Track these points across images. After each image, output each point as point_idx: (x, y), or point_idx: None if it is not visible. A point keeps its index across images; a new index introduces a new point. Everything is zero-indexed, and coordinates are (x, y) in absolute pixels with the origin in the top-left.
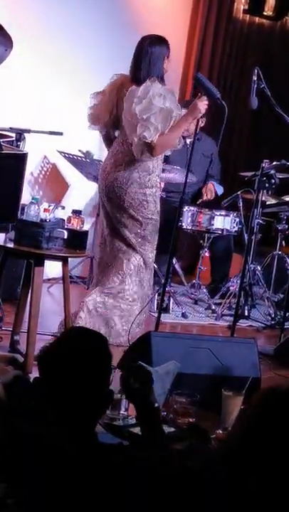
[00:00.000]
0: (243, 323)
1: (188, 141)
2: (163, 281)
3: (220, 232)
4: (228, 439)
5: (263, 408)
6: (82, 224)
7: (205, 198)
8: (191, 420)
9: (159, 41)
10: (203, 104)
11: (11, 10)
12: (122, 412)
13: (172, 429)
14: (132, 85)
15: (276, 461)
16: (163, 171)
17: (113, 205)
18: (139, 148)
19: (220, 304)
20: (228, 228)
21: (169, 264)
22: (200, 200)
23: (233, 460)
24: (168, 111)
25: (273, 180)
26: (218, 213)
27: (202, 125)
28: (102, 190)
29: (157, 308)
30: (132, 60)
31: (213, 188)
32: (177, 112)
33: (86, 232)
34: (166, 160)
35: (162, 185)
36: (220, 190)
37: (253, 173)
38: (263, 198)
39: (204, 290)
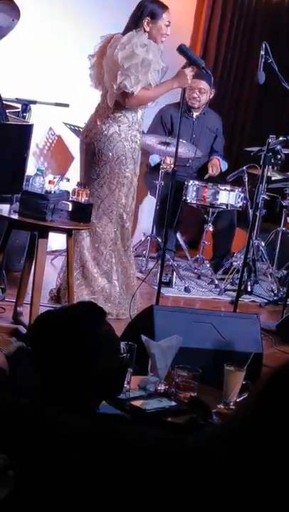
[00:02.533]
0: (245, 299)
1: (195, 114)
2: (168, 255)
3: (224, 207)
4: (233, 417)
5: (275, 387)
6: (87, 196)
7: (210, 172)
8: (192, 394)
9: (154, 1)
10: (190, 73)
11: None
12: (124, 385)
13: (174, 403)
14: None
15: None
16: (168, 144)
17: (92, 161)
18: (113, 97)
19: (223, 279)
20: (233, 203)
21: (166, 238)
22: (206, 176)
23: (238, 440)
24: (149, 62)
25: (279, 156)
26: (222, 188)
27: (211, 96)
28: (83, 149)
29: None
30: None
31: (219, 163)
32: (158, 65)
33: (91, 205)
34: (171, 134)
35: (169, 161)
36: (224, 165)
37: (259, 148)
38: (269, 174)
39: (207, 265)
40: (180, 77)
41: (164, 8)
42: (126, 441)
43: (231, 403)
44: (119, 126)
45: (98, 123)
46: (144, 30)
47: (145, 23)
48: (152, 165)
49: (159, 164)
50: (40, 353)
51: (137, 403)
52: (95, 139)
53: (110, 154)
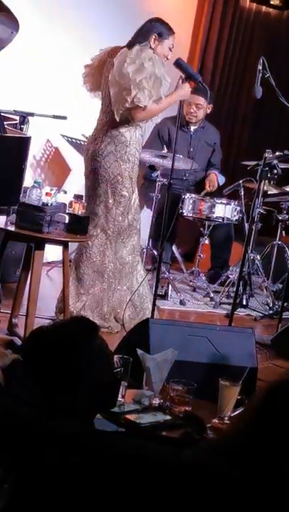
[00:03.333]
0: (241, 312)
1: (192, 128)
2: (163, 268)
3: (220, 220)
4: (230, 431)
5: (272, 402)
6: (84, 209)
7: (207, 188)
8: (187, 408)
9: (162, 21)
10: (188, 87)
11: None
12: (118, 398)
13: (168, 417)
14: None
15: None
16: (165, 157)
17: (92, 178)
18: (122, 109)
19: (218, 291)
20: (229, 216)
21: (161, 250)
22: (203, 192)
23: (235, 453)
24: (158, 77)
25: (276, 171)
26: (219, 201)
27: (209, 111)
28: (85, 162)
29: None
30: None
31: (216, 179)
32: (166, 79)
33: (87, 217)
34: (169, 148)
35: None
36: (221, 179)
37: (256, 162)
38: (265, 188)
39: (203, 278)
40: (181, 91)
41: (171, 31)
42: (124, 451)
43: (226, 418)
44: (116, 145)
45: (97, 140)
46: (150, 47)
47: (152, 40)
48: (149, 177)
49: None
50: (36, 368)
51: (132, 417)
52: (92, 158)
53: (106, 174)
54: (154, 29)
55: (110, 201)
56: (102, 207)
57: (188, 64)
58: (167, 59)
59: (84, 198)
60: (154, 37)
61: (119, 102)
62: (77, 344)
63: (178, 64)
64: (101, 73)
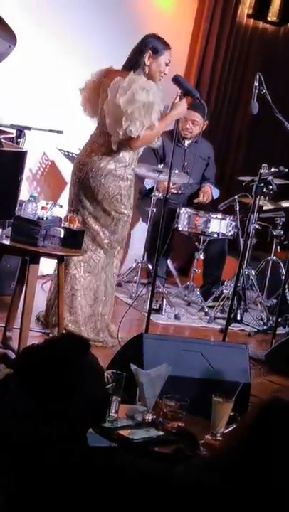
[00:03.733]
0: (235, 327)
1: (186, 143)
2: (158, 282)
3: (215, 235)
4: (222, 448)
5: (264, 421)
6: (79, 223)
7: (201, 199)
8: (180, 424)
9: (157, 37)
10: (185, 104)
11: (13, 7)
12: (111, 413)
13: (161, 433)
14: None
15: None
16: (161, 172)
17: (86, 195)
18: (116, 141)
19: (213, 306)
20: (224, 232)
21: (156, 265)
22: (196, 200)
23: (228, 470)
24: (150, 104)
25: (271, 187)
26: (214, 216)
27: (204, 128)
28: (76, 181)
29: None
30: None
31: (210, 191)
32: (159, 106)
33: (82, 232)
34: (163, 162)
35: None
36: (216, 193)
37: (252, 178)
38: (260, 203)
39: (198, 292)
40: (178, 108)
41: (167, 46)
42: (118, 466)
43: (218, 434)
44: (116, 165)
45: (94, 158)
46: (145, 64)
47: (146, 57)
48: (147, 188)
49: (151, 190)
50: (29, 384)
51: (125, 432)
52: (90, 175)
53: (105, 192)
54: (148, 45)
55: (109, 218)
56: (101, 222)
57: (185, 80)
58: (165, 74)
59: (70, 206)
60: (148, 54)
61: (113, 134)
62: (67, 360)
63: (176, 80)
64: (98, 94)
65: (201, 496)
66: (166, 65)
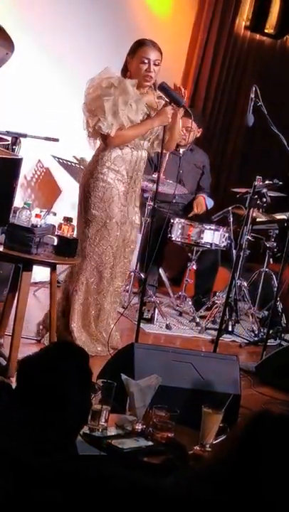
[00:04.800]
0: (226, 338)
1: (181, 150)
2: (150, 291)
3: (208, 246)
4: (212, 459)
5: (254, 433)
6: (73, 231)
7: (195, 211)
8: (169, 435)
9: (137, 41)
10: (170, 111)
11: (10, 14)
12: (101, 422)
13: (150, 443)
14: None
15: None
16: (154, 182)
17: (80, 198)
18: (89, 136)
19: (204, 317)
20: (217, 243)
21: (146, 275)
22: (191, 214)
23: (218, 482)
24: (116, 102)
25: (265, 199)
26: (207, 227)
27: (198, 135)
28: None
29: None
30: None
31: (204, 202)
32: (130, 104)
33: (76, 240)
34: (156, 171)
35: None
36: (210, 203)
37: (246, 190)
38: (254, 215)
39: (189, 302)
40: (161, 116)
41: (142, 43)
42: (107, 479)
43: (208, 445)
44: (95, 165)
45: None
46: (127, 70)
47: (127, 62)
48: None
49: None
50: (25, 394)
51: (114, 442)
52: (83, 180)
53: (93, 197)
54: (128, 51)
55: (82, 218)
56: (93, 228)
57: (171, 88)
58: (148, 74)
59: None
60: (127, 58)
61: (86, 130)
62: (61, 370)
63: (161, 88)
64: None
65: (193, 508)
66: (144, 62)
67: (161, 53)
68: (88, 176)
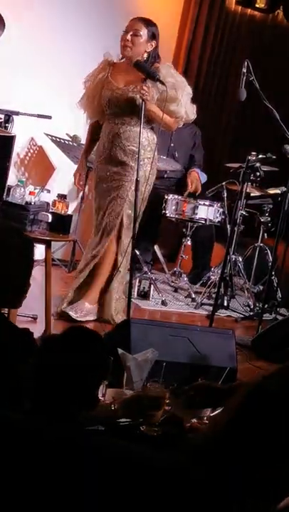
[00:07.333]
0: (221, 313)
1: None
2: (145, 268)
3: (203, 221)
4: (210, 432)
5: (249, 407)
6: (67, 208)
7: (190, 188)
8: (166, 408)
9: None
10: (146, 86)
11: None
12: (99, 397)
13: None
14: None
15: (260, 457)
16: None
17: None
18: None
19: (200, 292)
20: (212, 218)
21: (133, 250)
22: (186, 193)
23: (217, 453)
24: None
25: (258, 173)
26: (202, 203)
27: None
28: None
29: (138, 294)
30: None
31: (198, 176)
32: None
33: (70, 217)
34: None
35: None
36: (203, 177)
37: (239, 165)
38: (248, 190)
39: (185, 278)
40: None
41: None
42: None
43: (205, 418)
44: None
45: None
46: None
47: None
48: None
49: None
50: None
51: None
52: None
53: None
54: None
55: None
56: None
57: (145, 63)
58: (125, 44)
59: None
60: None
61: None
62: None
63: (136, 65)
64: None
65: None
66: (124, 32)
67: (146, 26)
68: None
